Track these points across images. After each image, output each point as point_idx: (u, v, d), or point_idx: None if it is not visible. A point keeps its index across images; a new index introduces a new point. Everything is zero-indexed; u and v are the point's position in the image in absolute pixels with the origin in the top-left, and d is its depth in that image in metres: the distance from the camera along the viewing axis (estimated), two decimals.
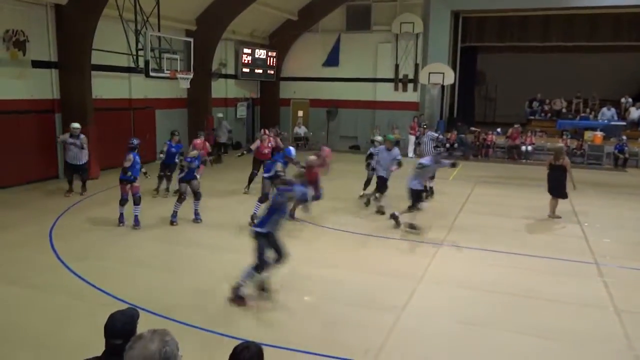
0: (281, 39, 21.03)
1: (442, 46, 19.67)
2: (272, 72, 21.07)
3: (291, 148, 9.48)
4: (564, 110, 21.50)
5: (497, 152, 19.17)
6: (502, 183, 14.29)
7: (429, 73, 19.05)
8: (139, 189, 9.01)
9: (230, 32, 18.17)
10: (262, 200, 9.05)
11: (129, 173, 8.85)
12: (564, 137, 18.78)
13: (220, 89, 19.06)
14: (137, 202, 8.92)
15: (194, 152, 9.38)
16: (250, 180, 12.00)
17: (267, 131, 13.44)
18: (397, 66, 20.15)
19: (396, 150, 10.23)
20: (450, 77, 19.01)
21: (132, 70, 13.77)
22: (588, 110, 20.98)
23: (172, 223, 9.08)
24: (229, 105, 19.84)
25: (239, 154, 12.60)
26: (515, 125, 19.14)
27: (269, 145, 12.31)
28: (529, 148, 18.56)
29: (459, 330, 5.48)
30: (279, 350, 4.83)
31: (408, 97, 20.26)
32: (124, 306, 3.00)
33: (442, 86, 19.42)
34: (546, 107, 21.79)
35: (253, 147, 12.19)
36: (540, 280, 6.97)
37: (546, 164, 10.61)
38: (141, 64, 12.64)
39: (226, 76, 19.36)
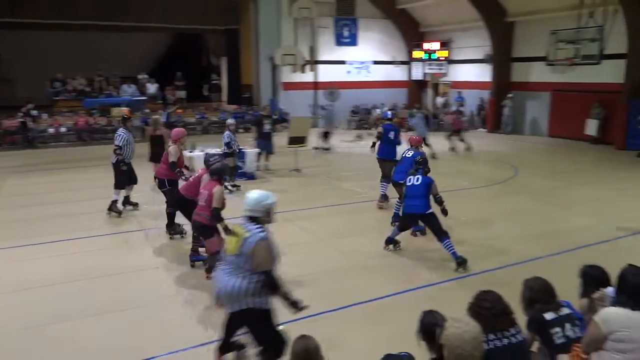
0: None
1: None
2: None
3: None
4: (87, 88, 22.21)
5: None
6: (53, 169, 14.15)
7: None
8: None
9: None
10: None
11: None
12: (94, 115, 19.56)
13: None
14: None
15: None
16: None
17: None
18: None
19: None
20: None
21: None
22: (111, 87, 22.41)
23: None
24: None
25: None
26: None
27: None
28: (62, 129, 18.51)
29: (31, 334, 5.44)
30: None
31: None
32: None
33: None
34: (70, 87, 21.96)
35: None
36: (101, 257, 7.64)
37: (147, 135, 11.36)
38: None
39: None
